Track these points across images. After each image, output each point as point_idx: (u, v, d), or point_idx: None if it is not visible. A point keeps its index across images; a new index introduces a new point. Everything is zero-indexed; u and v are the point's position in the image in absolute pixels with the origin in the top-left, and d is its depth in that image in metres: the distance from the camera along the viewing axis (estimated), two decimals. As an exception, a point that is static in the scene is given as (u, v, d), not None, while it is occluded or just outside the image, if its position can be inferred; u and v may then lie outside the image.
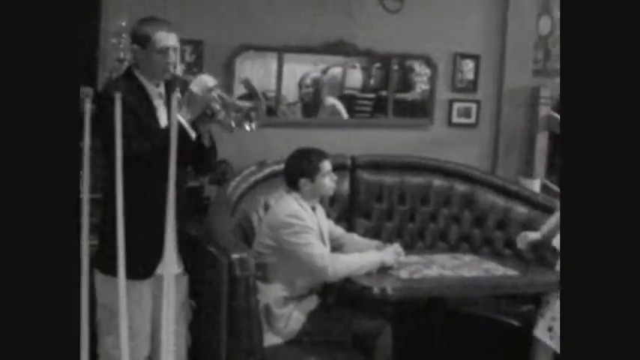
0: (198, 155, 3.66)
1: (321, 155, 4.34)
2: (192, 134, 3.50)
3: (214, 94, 3.52)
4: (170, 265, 2.73)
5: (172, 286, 2.70)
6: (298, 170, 4.28)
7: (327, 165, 4.32)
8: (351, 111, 6.12)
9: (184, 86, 3.51)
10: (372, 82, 6.27)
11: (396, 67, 6.21)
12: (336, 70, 6.24)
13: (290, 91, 6.01)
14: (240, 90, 5.77)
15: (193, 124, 3.51)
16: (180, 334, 3.71)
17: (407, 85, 6.35)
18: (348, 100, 6.16)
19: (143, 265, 3.44)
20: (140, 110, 3.55)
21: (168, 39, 3.59)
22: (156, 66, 3.60)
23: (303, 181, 4.25)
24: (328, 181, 4.33)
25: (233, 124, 3.56)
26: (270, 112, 5.80)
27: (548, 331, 4.39)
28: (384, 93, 6.14)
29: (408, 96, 6.29)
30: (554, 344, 4.28)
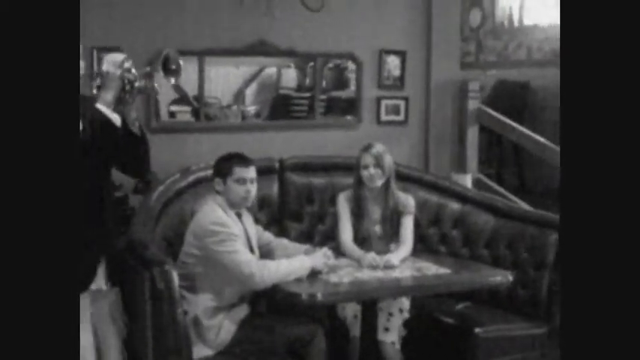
0: (129, 149, 3.57)
1: (238, 160, 4.21)
2: (117, 121, 3.43)
3: (127, 65, 3.48)
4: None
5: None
6: (214, 168, 4.25)
7: (241, 171, 4.16)
8: (287, 111, 6.06)
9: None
10: (307, 81, 6.22)
11: (331, 65, 6.16)
12: (271, 71, 6.19)
13: (225, 95, 5.95)
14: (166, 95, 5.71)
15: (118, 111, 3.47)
16: (109, 348, 3.71)
17: (342, 84, 6.33)
18: (284, 100, 6.11)
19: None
20: None
21: None
22: None
23: (216, 180, 4.19)
24: (238, 188, 4.16)
25: (156, 85, 3.58)
26: (205, 117, 5.76)
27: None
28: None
29: (343, 94, 6.26)
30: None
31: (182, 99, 5.86)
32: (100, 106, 3.39)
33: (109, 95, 3.42)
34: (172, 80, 3.53)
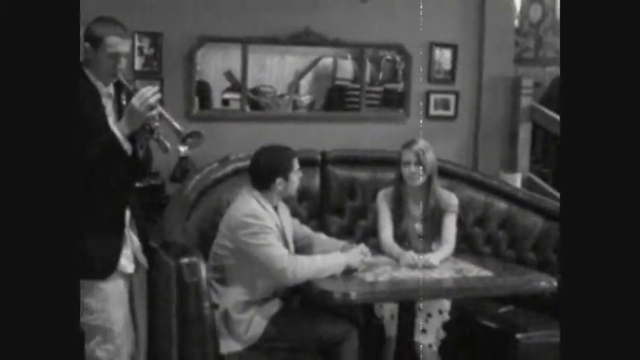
0: (132, 166, 3.57)
1: (291, 152, 4.16)
2: (129, 149, 3.42)
3: (155, 112, 3.40)
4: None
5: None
6: (274, 169, 4.06)
7: (297, 162, 4.14)
8: (342, 103, 5.98)
9: (130, 96, 3.44)
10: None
11: (389, 57, 6.07)
12: (327, 61, 6.12)
13: (280, 84, 5.90)
14: (221, 82, 5.67)
15: (131, 137, 3.43)
16: (140, 318, 3.80)
17: (397, 76, 6.22)
18: (339, 92, 6.03)
19: (100, 266, 3.48)
20: (89, 108, 3.43)
21: (120, 45, 3.46)
22: (104, 68, 3.47)
23: (279, 180, 4.05)
24: (297, 179, 4.15)
25: (168, 145, 3.46)
26: (255, 106, 5.71)
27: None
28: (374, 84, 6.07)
29: (399, 86, 6.18)
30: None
31: (234, 87, 5.83)
32: (116, 131, 3.37)
33: (127, 130, 3.39)
34: (182, 150, 3.44)
